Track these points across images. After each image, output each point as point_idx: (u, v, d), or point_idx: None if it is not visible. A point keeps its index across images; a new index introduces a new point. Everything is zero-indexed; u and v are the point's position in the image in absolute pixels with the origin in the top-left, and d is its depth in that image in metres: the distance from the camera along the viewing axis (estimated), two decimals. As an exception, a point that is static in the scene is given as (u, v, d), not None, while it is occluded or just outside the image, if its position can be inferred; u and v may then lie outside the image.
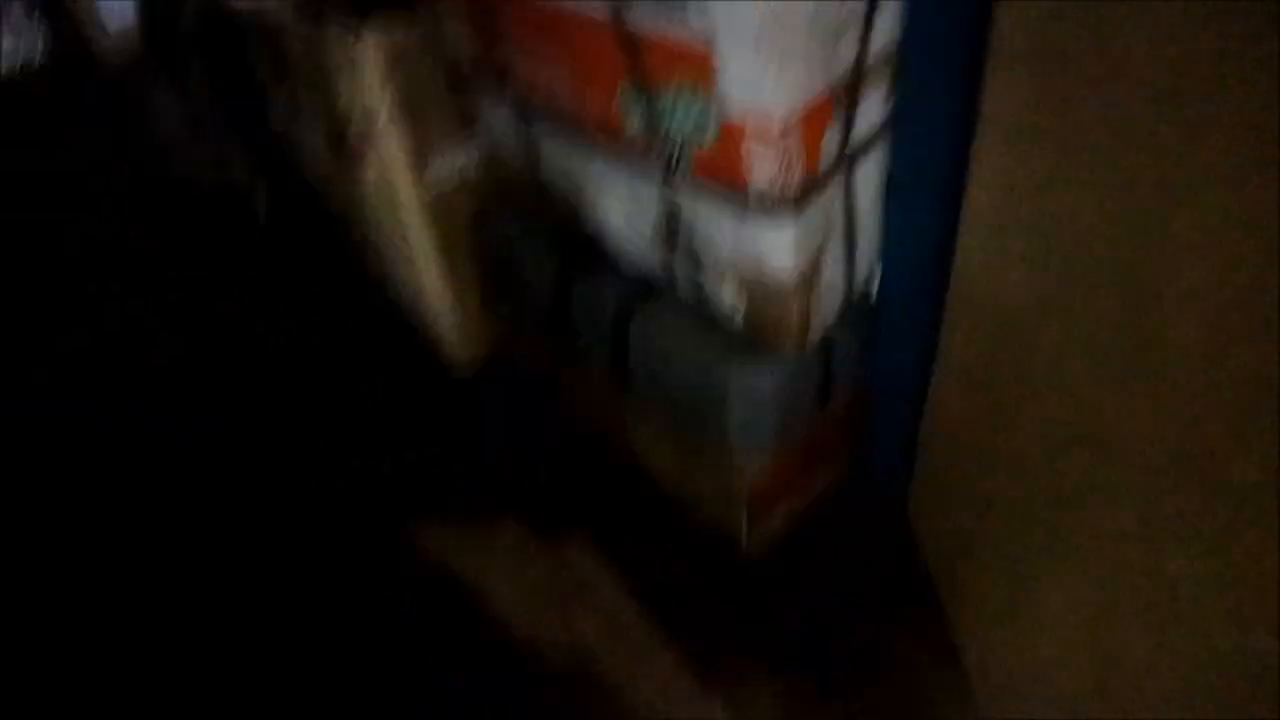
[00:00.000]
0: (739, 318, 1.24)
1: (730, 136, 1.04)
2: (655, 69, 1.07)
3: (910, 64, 1.08)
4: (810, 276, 1.16)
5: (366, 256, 1.90)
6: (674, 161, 1.14)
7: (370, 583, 1.46)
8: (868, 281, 1.29)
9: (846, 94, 1.05)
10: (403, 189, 1.58)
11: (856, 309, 1.30)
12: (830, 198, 1.12)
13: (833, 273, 1.20)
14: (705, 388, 1.27)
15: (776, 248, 1.11)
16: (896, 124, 1.13)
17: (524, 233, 1.51)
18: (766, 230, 1.10)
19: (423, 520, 1.58)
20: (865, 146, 1.13)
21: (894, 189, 1.18)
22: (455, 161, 1.59)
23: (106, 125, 1.24)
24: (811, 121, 1.02)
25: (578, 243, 1.43)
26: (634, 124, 1.16)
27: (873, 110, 1.11)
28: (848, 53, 1.02)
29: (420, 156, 1.54)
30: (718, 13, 0.94)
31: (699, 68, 1.01)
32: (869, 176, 1.16)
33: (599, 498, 1.59)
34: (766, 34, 0.92)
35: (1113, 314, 0.83)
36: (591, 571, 1.49)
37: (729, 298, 1.23)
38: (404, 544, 1.52)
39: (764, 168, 1.04)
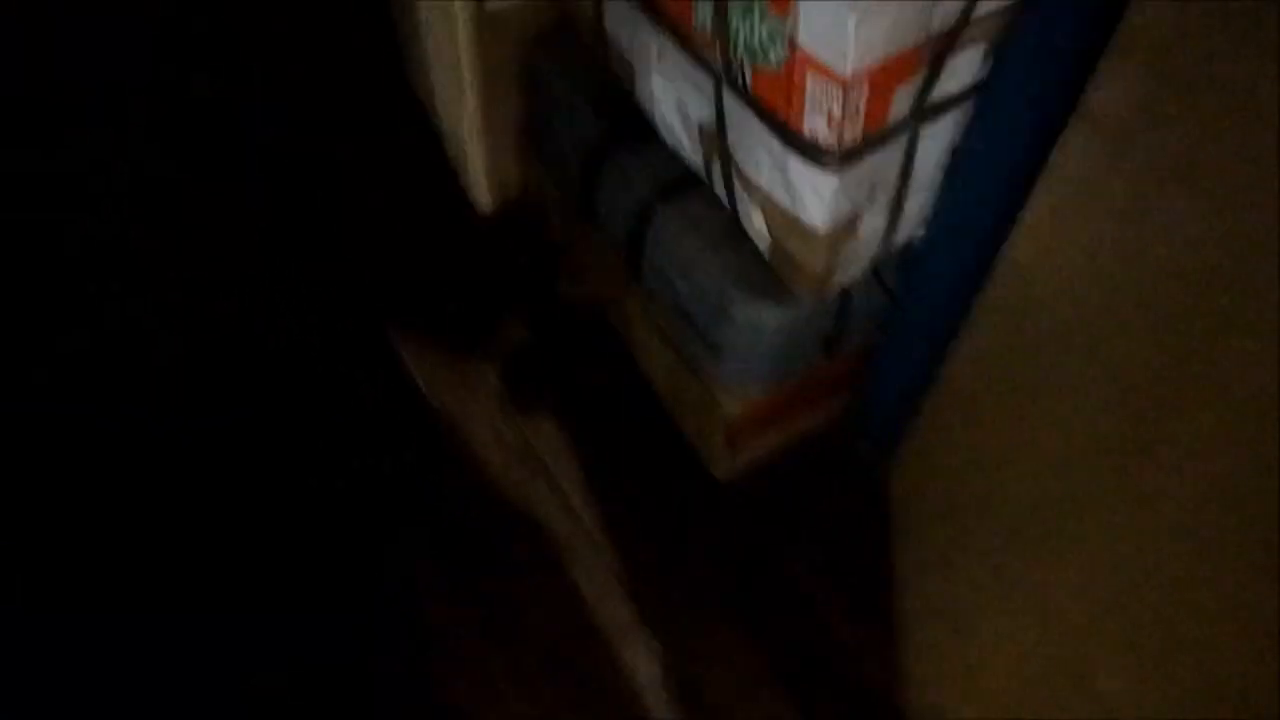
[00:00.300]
0: (763, 246, 1.16)
1: (795, 68, 0.93)
2: (733, -33, 0.95)
3: (1019, 31, 0.95)
4: (845, 229, 1.07)
5: (408, 68, 1.79)
6: (733, 70, 1.03)
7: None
8: (906, 241, 1.19)
9: (934, 51, 0.93)
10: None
11: (888, 264, 1.21)
12: (887, 155, 1.02)
13: (871, 227, 1.11)
14: (711, 308, 1.20)
15: (815, 196, 1.02)
16: (984, 92, 1.01)
17: (572, 84, 1.40)
18: (809, 175, 1.00)
19: (405, 336, 1.55)
20: (942, 107, 1.01)
21: (961, 158, 1.07)
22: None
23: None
24: (886, 76, 0.91)
25: (624, 110, 1.32)
26: (701, 17, 1.04)
27: (962, 71, 0.99)
28: (948, 9, 0.90)
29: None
30: (808, -62, 0.82)
31: (777, -15, 0.89)
32: (937, 138, 1.05)
33: (587, 376, 1.56)
34: (854, -19, 0.81)
35: (1159, 355, 0.77)
36: (561, 449, 1.47)
37: (758, 223, 1.14)
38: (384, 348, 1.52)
39: (822, 113, 0.93)
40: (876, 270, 1.21)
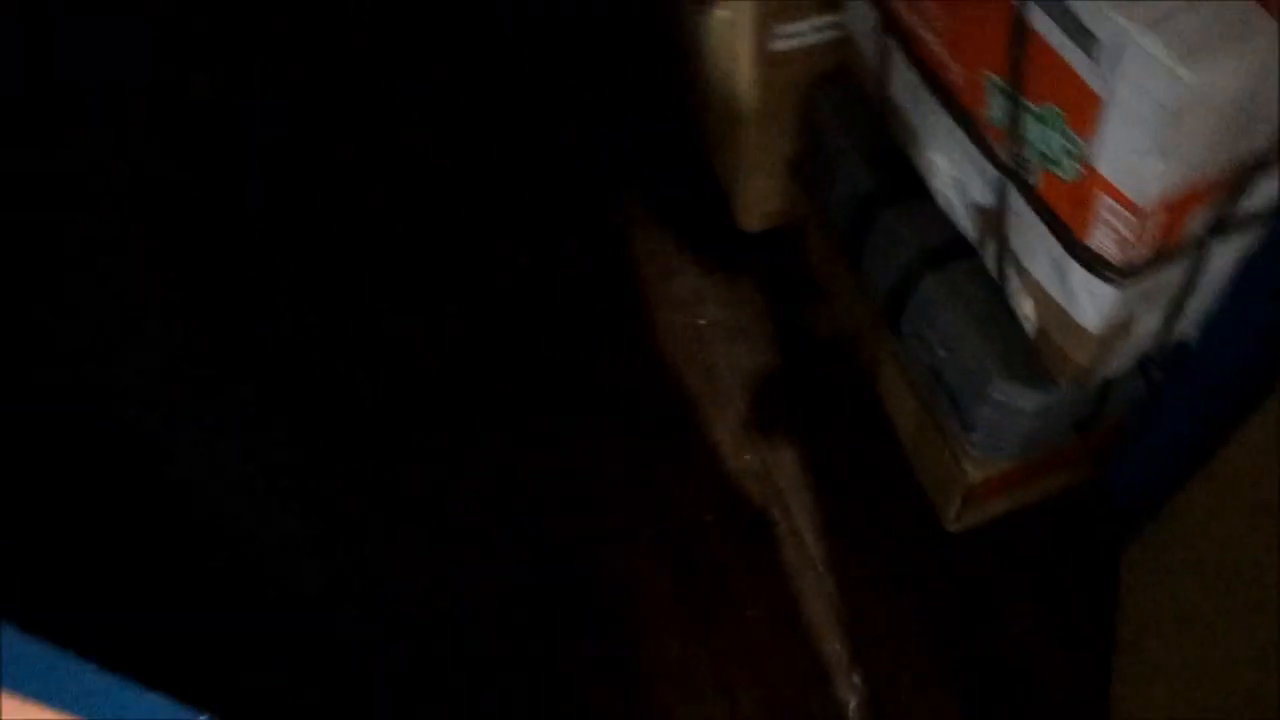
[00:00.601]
0: (1029, 329, 1.17)
1: (1088, 187, 0.94)
2: (1036, 78, 0.96)
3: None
4: (1118, 330, 1.08)
5: (688, 89, 1.86)
6: (1021, 168, 1.05)
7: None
8: (1179, 341, 1.17)
9: (1236, 180, 0.92)
10: (747, 34, 1.51)
11: (1155, 359, 1.20)
12: (1174, 269, 1.01)
13: (1145, 327, 1.10)
14: (968, 383, 1.23)
15: (1092, 301, 1.03)
16: (1287, 215, 0.99)
17: (848, 132, 1.44)
18: (1088, 282, 1.01)
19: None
20: (1241, 224, 0.99)
21: (1251, 273, 1.05)
22: (810, 25, 1.51)
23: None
24: (1185, 202, 0.91)
25: (898, 168, 1.35)
26: (993, 110, 1.06)
27: (1268, 190, 0.96)
28: (1252, 142, 0.88)
29: (776, 9, 1.46)
30: (1121, 82, 0.83)
31: (1081, 109, 0.91)
32: (1227, 252, 1.03)
33: (829, 408, 1.61)
34: (1164, 131, 0.81)
35: None
36: (797, 476, 1.54)
37: (1026, 308, 1.16)
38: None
39: (1111, 231, 0.94)
40: (1144, 360, 1.20)
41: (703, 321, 1.72)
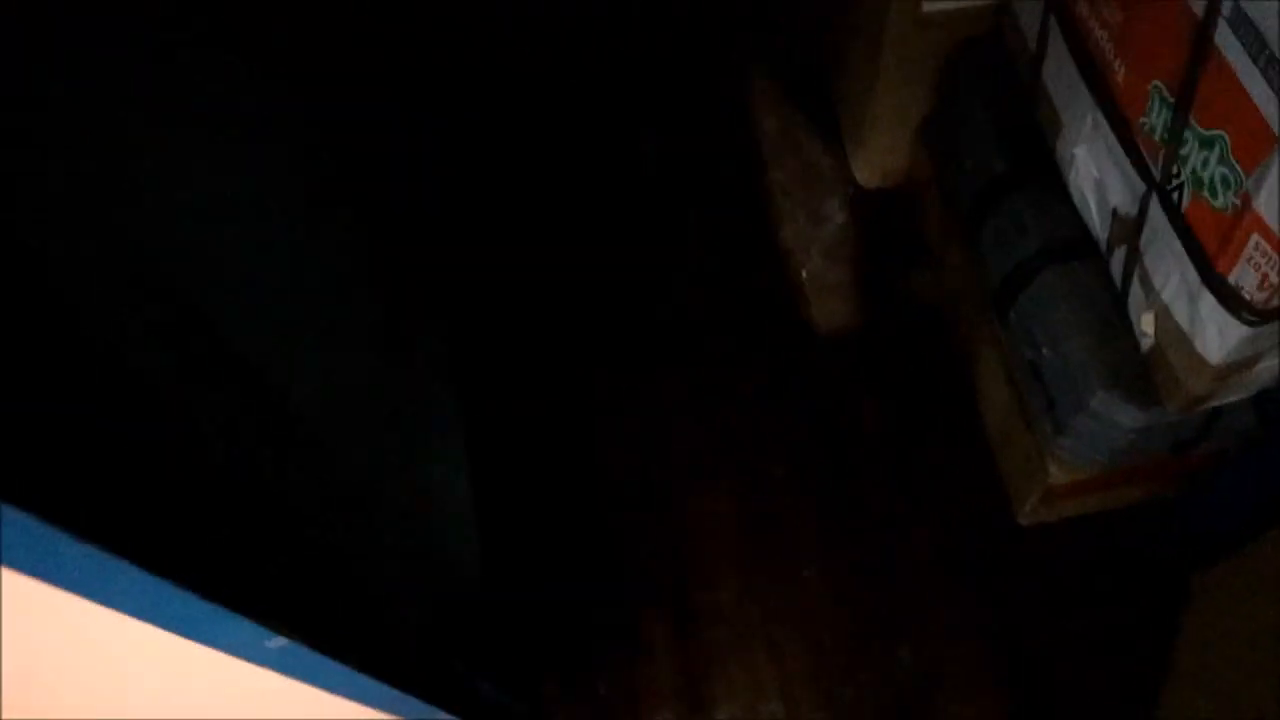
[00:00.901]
0: (1144, 344, 1.14)
1: (1240, 222, 0.90)
2: (1208, 98, 0.92)
3: None
4: (1239, 366, 1.04)
5: (826, 38, 1.80)
6: (1170, 185, 1.01)
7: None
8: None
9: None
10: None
11: (1272, 394, 1.16)
12: (1312, 317, 0.97)
13: (1267, 366, 1.07)
14: (1069, 388, 1.21)
15: (1219, 335, 1.00)
16: None
17: (985, 106, 1.39)
18: (1219, 316, 0.98)
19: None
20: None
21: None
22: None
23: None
24: (1340, 253, 0.87)
25: (1032, 152, 1.31)
26: (1152, 121, 1.02)
27: None
28: None
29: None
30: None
31: (1250, 140, 0.86)
32: (1374, 304, 0.98)
33: (913, 375, 1.59)
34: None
35: None
36: (876, 433, 1.53)
37: (1145, 324, 1.13)
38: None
39: (1255, 270, 0.91)
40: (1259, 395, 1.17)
41: (804, 273, 1.70)
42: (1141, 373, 1.15)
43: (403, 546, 1.17)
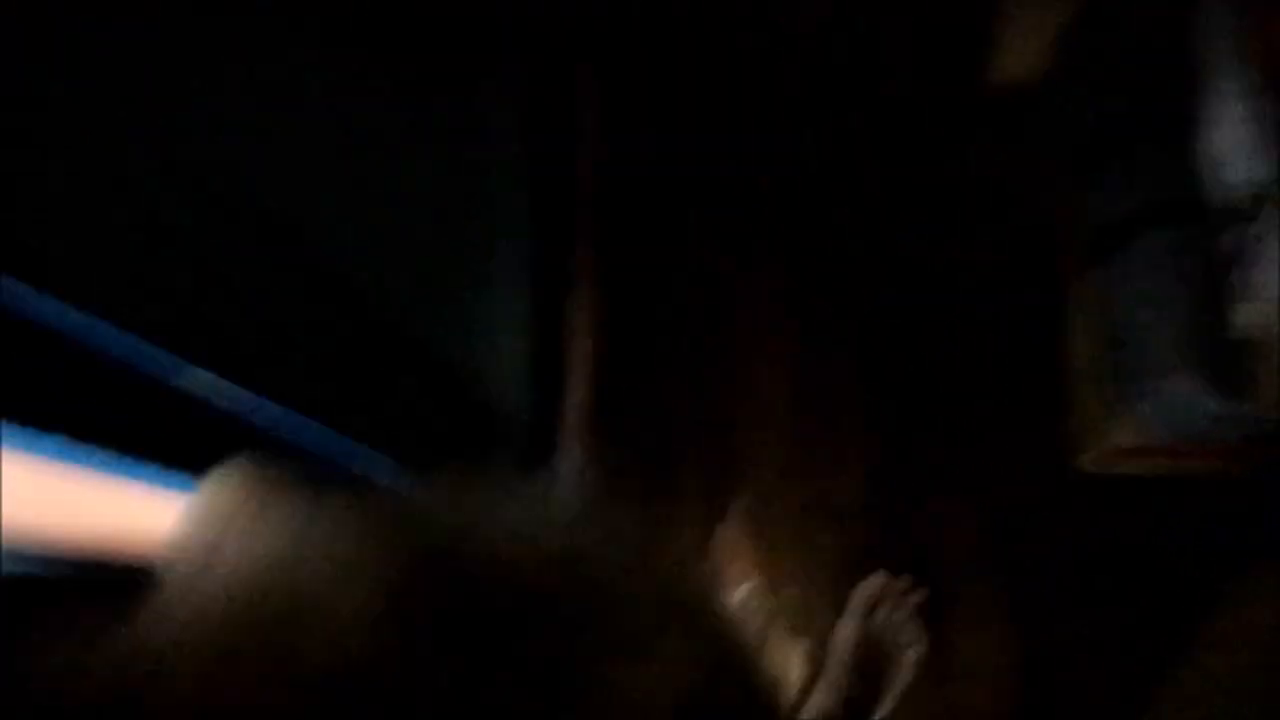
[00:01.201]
0: (1239, 334, 1.07)
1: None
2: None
3: None
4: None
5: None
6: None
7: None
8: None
9: None
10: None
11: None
12: None
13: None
14: (1147, 360, 1.15)
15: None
16: None
17: (1131, 31, 1.26)
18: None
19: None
20: None
21: None
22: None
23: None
24: None
25: (1172, 96, 1.19)
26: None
27: None
28: None
29: None
30: None
31: None
32: None
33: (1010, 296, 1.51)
34: None
35: None
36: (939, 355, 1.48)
37: (1248, 315, 1.06)
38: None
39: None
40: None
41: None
42: (1229, 361, 1.09)
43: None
